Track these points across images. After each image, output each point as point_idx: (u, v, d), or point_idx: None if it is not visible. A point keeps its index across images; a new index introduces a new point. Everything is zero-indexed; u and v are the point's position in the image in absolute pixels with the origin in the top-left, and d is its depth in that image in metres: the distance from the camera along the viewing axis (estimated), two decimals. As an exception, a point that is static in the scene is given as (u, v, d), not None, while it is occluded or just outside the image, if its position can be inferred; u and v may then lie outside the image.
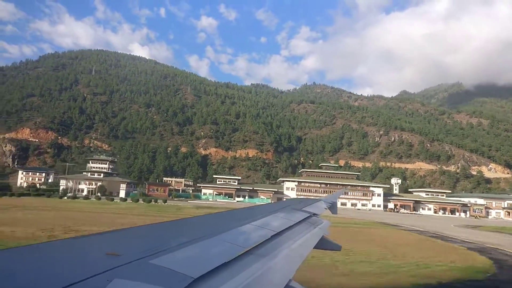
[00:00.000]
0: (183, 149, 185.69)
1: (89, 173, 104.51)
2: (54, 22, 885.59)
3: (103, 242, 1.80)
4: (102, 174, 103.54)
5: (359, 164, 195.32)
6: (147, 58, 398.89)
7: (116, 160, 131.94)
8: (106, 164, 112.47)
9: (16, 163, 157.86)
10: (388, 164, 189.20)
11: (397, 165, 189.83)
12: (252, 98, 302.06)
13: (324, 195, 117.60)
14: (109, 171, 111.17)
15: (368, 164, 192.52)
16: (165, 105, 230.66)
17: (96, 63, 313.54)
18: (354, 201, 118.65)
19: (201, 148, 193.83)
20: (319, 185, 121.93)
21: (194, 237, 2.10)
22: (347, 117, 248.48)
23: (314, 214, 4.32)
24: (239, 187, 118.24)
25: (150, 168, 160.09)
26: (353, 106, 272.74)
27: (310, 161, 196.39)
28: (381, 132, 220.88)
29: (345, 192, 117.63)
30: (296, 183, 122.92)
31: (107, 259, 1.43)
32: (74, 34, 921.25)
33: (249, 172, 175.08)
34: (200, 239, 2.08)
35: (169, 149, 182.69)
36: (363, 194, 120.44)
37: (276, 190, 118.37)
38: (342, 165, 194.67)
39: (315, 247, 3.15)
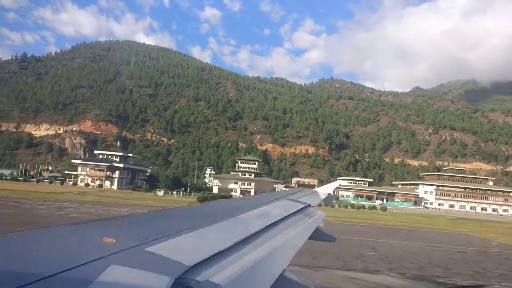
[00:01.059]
0: (242, 145, 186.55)
1: (240, 173, 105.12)
2: (56, 10, 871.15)
3: (100, 229, 1.81)
4: (253, 175, 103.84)
5: (415, 162, 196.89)
6: (174, 50, 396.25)
7: (261, 160, 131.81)
8: (254, 164, 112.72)
9: (87, 155, 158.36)
10: (445, 163, 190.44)
11: (454, 164, 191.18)
12: (287, 93, 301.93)
13: (466, 200, 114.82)
14: (258, 171, 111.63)
15: (424, 163, 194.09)
16: (212, 99, 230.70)
17: (130, 54, 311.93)
18: (495, 206, 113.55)
19: (257, 144, 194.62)
20: (458, 189, 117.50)
21: (190, 225, 2.08)
22: (391, 114, 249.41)
23: (309, 205, 4.38)
24: (379, 190, 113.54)
25: (219, 164, 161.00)
26: (395, 104, 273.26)
27: (367, 159, 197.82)
28: (430, 131, 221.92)
29: (485, 197, 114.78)
30: (435, 187, 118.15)
31: (104, 246, 1.44)
32: (77, 22, 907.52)
33: (312, 169, 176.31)
34: (196, 227, 2.08)
35: (229, 144, 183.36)
36: (505, 199, 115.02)
37: (417, 195, 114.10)
38: (397, 163, 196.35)
39: (310, 238, 3.19)
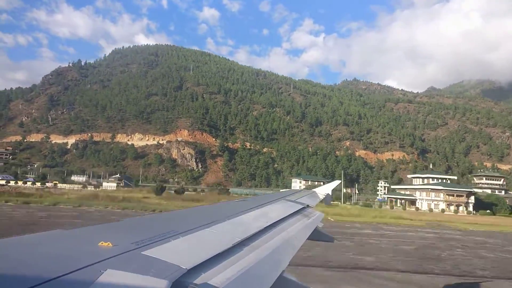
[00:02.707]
0: (337, 152, 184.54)
1: (482, 190, 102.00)
2: (51, 11, 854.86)
3: (96, 234, 1.80)
4: (502, 191, 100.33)
5: (505, 167, 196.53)
6: (215, 54, 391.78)
7: (507, 176, 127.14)
8: (499, 180, 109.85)
9: (200, 166, 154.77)
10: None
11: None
12: (341, 96, 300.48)
13: None
14: (504, 187, 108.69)
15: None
16: (286, 105, 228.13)
17: (179, 59, 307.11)
18: None
19: (349, 150, 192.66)
20: None
21: (187, 228, 2.08)
22: (458, 117, 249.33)
23: (308, 206, 4.31)
24: None
25: (332, 173, 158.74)
26: (460, 107, 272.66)
27: (455, 163, 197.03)
28: (508, 134, 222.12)
29: None
30: None
31: (100, 250, 1.43)
32: (73, 24, 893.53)
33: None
34: (193, 230, 2.07)
35: (328, 151, 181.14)
36: None
37: None
38: (489, 167, 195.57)
39: (309, 238, 3.16)
